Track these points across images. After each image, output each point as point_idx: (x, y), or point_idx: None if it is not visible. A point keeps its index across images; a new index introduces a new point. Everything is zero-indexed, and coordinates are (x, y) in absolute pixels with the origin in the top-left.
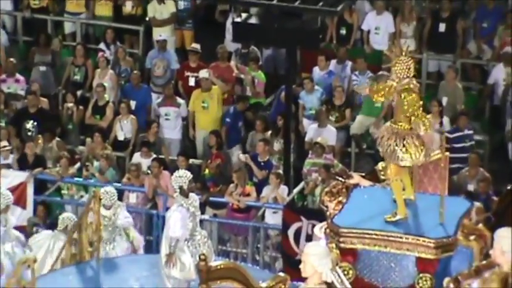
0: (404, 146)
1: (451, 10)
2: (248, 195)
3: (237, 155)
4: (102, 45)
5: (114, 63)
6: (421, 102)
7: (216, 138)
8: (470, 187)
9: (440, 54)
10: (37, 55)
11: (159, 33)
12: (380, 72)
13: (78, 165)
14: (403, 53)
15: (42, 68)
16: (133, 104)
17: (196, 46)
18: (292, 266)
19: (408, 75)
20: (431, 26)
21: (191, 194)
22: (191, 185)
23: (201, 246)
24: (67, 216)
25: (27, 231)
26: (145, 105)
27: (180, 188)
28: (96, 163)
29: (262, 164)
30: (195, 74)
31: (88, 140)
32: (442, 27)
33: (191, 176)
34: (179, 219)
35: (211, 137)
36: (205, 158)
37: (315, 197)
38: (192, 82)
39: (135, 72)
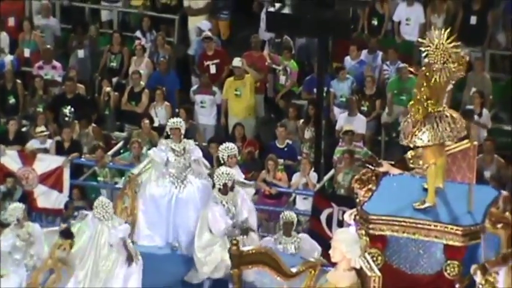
0: (424, 125)
1: (482, 2)
2: (279, 181)
3: None
4: (138, 33)
5: (152, 51)
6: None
7: (242, 130)
8: (487, 174)
9: (471, 45)
10: (74, 42)
11: (195, 23)
12: (401, 65)
13: (112, 151)
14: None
15: (80, 55)
16: None
17: (208, 33)
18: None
19: (441, 61)
20: (463, 18)
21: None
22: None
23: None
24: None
25: (63, 214)
26: (173, 91)
27: (224, 185)
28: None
29: (281, 150)
30: (215, 61)
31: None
32: (473, 19)
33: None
34: (217, 213)
35: (238, 129)
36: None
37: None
38: (213, 69)
39: (161, 59)
